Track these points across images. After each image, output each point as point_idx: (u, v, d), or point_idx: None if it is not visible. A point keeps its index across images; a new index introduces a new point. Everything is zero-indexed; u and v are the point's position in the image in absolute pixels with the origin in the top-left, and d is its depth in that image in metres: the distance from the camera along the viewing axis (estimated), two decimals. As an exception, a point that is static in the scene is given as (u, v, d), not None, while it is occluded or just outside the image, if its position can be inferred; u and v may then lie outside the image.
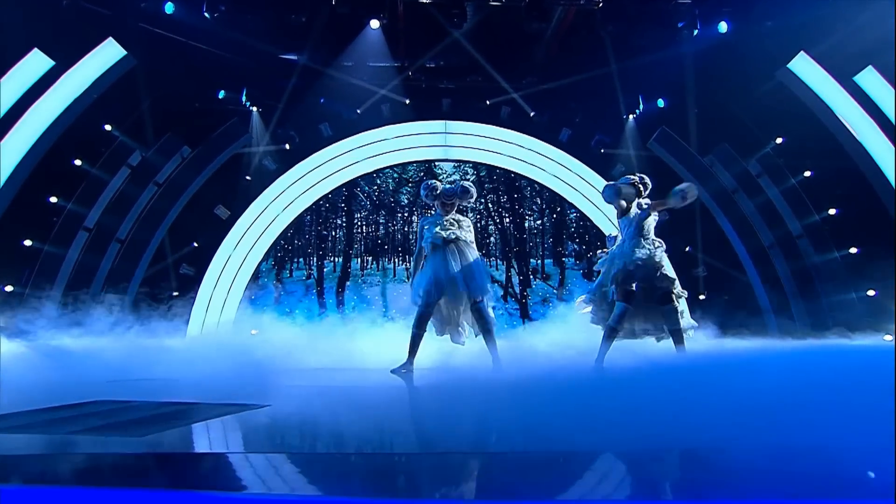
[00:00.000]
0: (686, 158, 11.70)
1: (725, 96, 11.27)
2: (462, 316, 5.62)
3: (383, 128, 12.48)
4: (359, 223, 12.70)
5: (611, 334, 5.22)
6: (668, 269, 5.28)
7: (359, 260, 12.51)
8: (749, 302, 11.25)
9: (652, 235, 5.29)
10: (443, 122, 12.67)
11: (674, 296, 5.19)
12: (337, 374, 5.57)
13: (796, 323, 10.87)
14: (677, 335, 5.14)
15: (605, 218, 12.16)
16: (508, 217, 12.87)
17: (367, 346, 6.81)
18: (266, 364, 5.44)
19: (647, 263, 5.17)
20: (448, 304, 5.58)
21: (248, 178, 11.85)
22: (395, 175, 12.81)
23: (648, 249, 5.21)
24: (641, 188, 5.47)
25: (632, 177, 5.53)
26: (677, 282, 5.29)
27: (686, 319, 5.31)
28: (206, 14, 9.95)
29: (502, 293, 12.41)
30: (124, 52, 9.29)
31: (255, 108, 11.67)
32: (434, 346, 5.96)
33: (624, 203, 5.44)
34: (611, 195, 5.52)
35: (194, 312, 11.24)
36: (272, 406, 3.53)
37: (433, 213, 5.99)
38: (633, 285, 5.18)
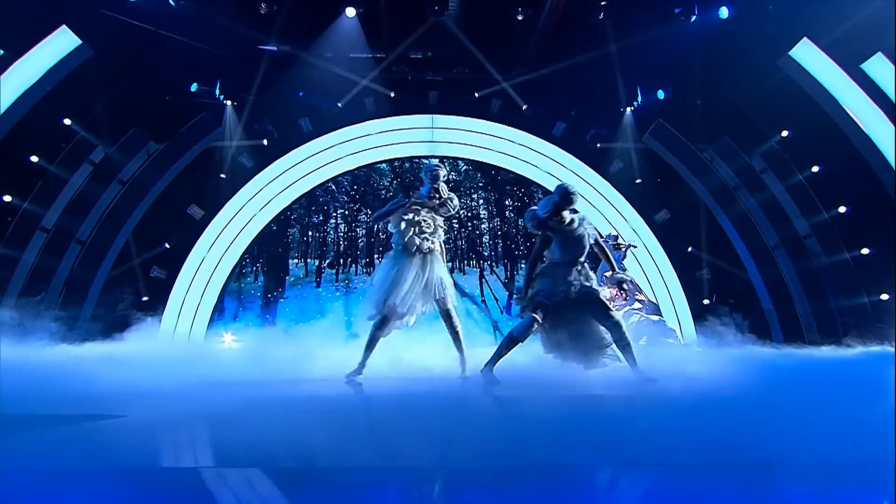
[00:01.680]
0: (684, 153, 11.04)
1: (726, 86, 10.60)
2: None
3: (367, 122, 11.87)
4: (334, 224, 12.06)
5: (510, 344, 4.64)
6: (593, 281, 4.68)
7: (338, 263, 11.90)
8: (751, 306, 10.51)
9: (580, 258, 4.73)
10: (429, 116, 12.05)
11: (610, 305, 4.57)
12: (269, 386, 4.92)
13: (803, 329, 10.18)
14: (627, 351, 4.48)
15: (602, 218, 11.42)
16: (499, 218, 12.23)
17: (329, 353, 6.19)
18: (203, 376, 4.88)
19: (571, 279, 4.60)
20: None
21: (222, 175, 11.24)
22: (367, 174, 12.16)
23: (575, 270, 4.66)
24: (565, 204, 4.69)
25: (550, 198, 4.78)
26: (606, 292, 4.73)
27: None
28: (171, 1, 9.40)
29: (502, 302, 11.76)
30: (79, 42, 8.70)
31: (228, 102, 11.07)
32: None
33: (551, 226, 4.70)
34: (533, 226, 4.84)
35: (165, 317, 10.66)
36: (126, 416, 3.18)
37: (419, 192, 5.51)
38: (546, 298, 4.55)
